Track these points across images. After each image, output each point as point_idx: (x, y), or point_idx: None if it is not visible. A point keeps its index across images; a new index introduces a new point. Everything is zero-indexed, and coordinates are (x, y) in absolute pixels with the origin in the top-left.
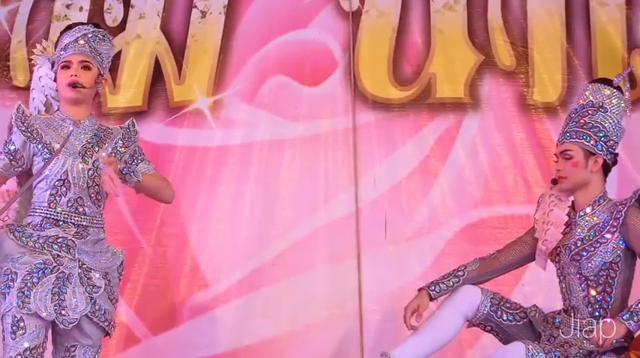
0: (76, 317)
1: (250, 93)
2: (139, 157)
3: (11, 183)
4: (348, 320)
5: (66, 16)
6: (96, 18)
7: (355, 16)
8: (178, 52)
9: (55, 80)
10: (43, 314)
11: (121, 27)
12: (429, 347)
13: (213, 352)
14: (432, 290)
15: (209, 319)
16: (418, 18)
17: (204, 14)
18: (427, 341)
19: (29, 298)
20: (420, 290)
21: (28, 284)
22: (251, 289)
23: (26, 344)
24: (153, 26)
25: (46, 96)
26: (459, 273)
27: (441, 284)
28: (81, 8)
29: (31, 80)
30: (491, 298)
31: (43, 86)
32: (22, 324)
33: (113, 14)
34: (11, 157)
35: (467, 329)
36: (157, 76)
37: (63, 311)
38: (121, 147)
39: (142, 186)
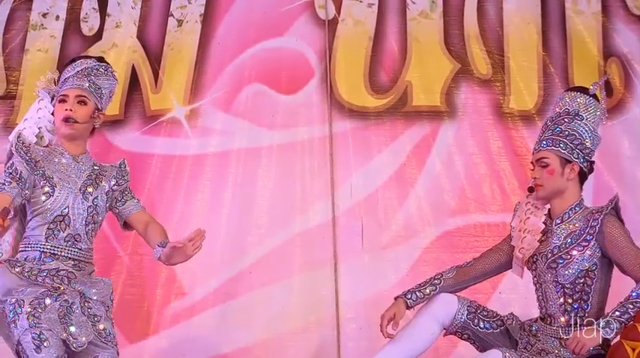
0: (83, 340)
1: (227, 101)
2: (129, 195)
3: None
4: (325, 328)
5: (42, 25)
6: (72, 27)
7: (331, 25)
8: (155, 60)
9: (53, 114)
10: (57, 334)
11: (98, 36)
12: (405, 355)
13: None
14: (408, 299)
15: (186, 327)
16: (394, 26)
17: (180, 23)
18: (404, 350)
19: (39, 319)
20: (396, 298)
21: (37, 308)
22: (228, 297)
23: (54, 354)
24: (129, 35)
25: (39, 128)
26: (436, 281)
27: (417, 293)
28: (57, 17)
29: (7, 90)
30: (467, 306)
31: (39, 118)
32: (43, 337)
33: (89, 23)
34: (21, 186)
35: (444, 338)
36: (133, 84)
37: (71, 337)
38: (115, 186)
39: (132, 220)
